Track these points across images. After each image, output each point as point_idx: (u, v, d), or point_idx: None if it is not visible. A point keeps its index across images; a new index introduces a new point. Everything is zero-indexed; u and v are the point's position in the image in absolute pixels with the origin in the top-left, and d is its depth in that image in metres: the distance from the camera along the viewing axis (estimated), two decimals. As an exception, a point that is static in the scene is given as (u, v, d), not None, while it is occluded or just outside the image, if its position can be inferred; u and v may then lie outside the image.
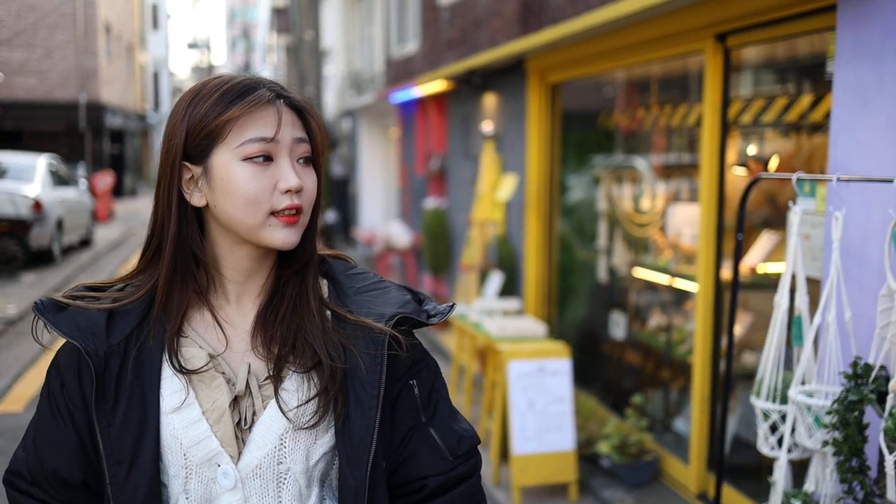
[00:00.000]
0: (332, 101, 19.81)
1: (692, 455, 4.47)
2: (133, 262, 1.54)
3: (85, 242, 15.74)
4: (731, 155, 4.42)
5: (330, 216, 14.18)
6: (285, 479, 1.25)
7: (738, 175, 4.41)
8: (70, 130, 26.01)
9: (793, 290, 2.69)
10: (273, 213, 1.23)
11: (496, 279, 6.11)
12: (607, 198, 6.13)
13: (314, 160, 1.29)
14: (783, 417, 2.67)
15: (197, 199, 1.26)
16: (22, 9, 24.70)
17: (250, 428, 1.25)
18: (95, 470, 1.27)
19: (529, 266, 6.73)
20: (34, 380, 6.89)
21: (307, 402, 1.23)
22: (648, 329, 5.57)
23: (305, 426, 1.23)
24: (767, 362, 2.72)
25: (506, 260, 6.84)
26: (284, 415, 1.23)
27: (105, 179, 21.08)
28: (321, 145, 1.30)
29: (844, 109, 3.16)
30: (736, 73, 4.38)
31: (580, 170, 6.57)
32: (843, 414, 2.37)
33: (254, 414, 1.25)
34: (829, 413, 2.41)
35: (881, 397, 2.32)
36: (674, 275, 5.20)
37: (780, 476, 2.65)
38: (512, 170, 7.11)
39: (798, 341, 2.66)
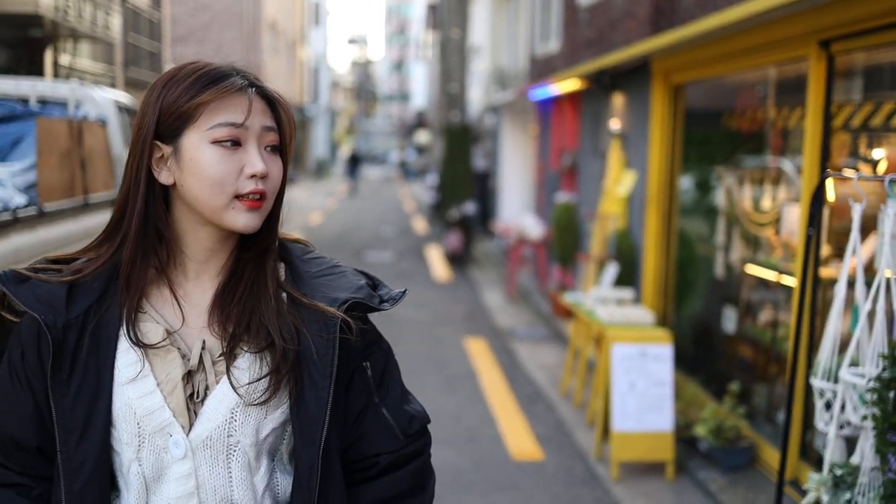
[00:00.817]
0: (477, 97, 20.37)
1: (810, 486, 4.66)
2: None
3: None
4: (836, 158, 4.59)
5: (470, 208, 14.72)
6: (234, 450, 1.30)
7: (839, 177, 4.56)
8: (235, 121, 27.84)
9: (858, 282, 2.94)
10: (237, 197, 1.28)
11: (612, 270, 6.43)
12: (728, 196, 6.31)
13: (281, 150, 1.35)
14: (836, 396, 2.93)
15: (165, 178, 1.31)
16: (196, 8, 26.60)
17: (202, 401, 1.30)
18: (51, 437, 1.32)
19: (648, 259, 7.00)
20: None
21: (258, 380, 1.29)
22: (758, 324, 5.75)
23: (255, 402, 1.29)
24: (825, 346, 2.99)
25: (625, 252, 7.13)
26: (235, 391, 1.29)
27: (265, 168, 22.49)
28: (289, 135, 1.36)
29: (924, 115, 3.34)
30: (840, 79, 4.54)
31: (701, 168, 6.77)
32: (880, 391, 2.64)
33: (206, 388, 1.31)
34: (869, 391, 2.67)
35: (915, 378, 2.57)
36: (783, 272, 5.37)
37: (829, 449, 2.91)
38: (635, 167, 7.38)
39: (854, 328, 2.92)
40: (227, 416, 1.29)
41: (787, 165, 5.68)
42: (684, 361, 6.28)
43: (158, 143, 1.30)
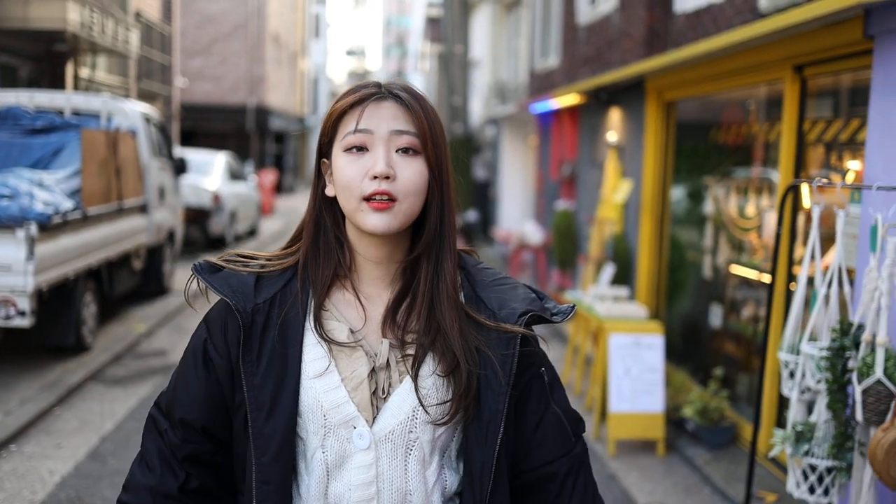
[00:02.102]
0: (477, 109, 20.98)
1: (763, 421, 5.25)
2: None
3: (252, 232, 17.57)
4: (810, 169, 5.18)
5: (471, 216, 15.33)
6: (413, 445, 1.37)
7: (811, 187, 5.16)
8: (238, 131, 28.41)
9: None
10: (365, 200, 1.34)
11: (609, 270, 7.02)
12: (715, 204, 6.91)
13: (424, 153, 1.38)
14: (798, 366, 3.51)
15: (329, 190, 1.43)
16: (203, 21, 27.22)
17: (385, 398, 1.37)
18: (216, 419, 1.45)
19: (642, 261, 7.59)
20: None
21: (443, 403, 1.36)
22: (741, 319, 6.34)
23: (440, 422, 1.36)
24: (790, 326, 3.57)
25: (621, 255, 7.72)
26: (426, 410, 1.36)
27: (268, 177, 23.06)
28: (426, 137, 1.37)
29: (876, 133, 3.94)
30: (812, 99, 5.14)
31: (691, 178, 7.37)
32: (832, 359, 3.22)
33: (389, 386, 1.38)
34: (822, 359, 3.25)
35: (858, 347, 3.15)
36: (763, 271, 5.96)
37: (792, 410, 3.49)
38: (630, 176, 7.98)
39: (812, 309, 3.50)
40: (409, 414, 1.36)
41: (774, 176, 6.28)
42: (674, 353, 6.86)
43: (325, 160, 1.44)
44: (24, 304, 6.02)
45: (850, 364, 3.22)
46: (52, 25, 10.96)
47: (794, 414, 3.51)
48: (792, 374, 3.56)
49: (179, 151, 13.32)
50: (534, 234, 11.36)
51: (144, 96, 16.96)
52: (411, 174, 1.36)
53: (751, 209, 6.43)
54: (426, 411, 1.35)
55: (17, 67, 12.21)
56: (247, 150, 27.98)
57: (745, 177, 6.45)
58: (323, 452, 1.38)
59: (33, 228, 6.02)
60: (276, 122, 30.05)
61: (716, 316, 6.64)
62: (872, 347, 3.08)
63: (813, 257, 3.50)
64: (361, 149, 1.35)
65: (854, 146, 4.94)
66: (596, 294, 6.63)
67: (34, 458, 5.11)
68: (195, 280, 1.43)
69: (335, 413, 1.36)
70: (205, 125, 27.52)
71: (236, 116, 28.08)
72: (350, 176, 1.35)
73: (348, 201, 1.36)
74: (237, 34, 27.73)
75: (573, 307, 1.46)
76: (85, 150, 7.20)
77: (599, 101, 9.02)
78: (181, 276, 11.51)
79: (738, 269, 6.44)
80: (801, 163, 5.13)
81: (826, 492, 3.39)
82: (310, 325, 1.39)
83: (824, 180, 3.82)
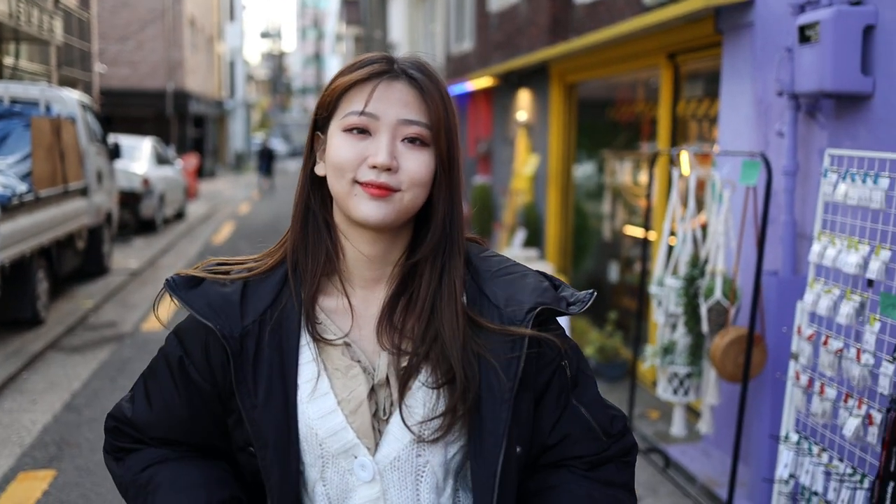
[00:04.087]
0: (397, 91, 21.61)
1: (647, 356, 6.20)
2: (223, 232, 1.64)
3: (179, 215, 17.96)
4: (683, 141, 6.13)
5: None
6: (423, 471, 1.21)
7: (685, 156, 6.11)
8: (158, 116, 28.45)
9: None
10: (357, 182, 1.19)
11: (520, 234, 7.91)
12: (611, 174, 7.85)
13: (435, 145, 1.22)
14: (664, 296, 4.43)
15: (319, 169, 1.26)
16: (117, 6, 27.14)
17: (387, 419, 1.21)
18: (208, 436, 1.29)
19: (550, 226, 8.51)
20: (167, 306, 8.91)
21: (431, 419, 1.20)
22: (634, 273, 7.31)
23: (427, 440, 1.20)
24: (658, 265, 4.48)
25: (532, 221, 8.63)
26: (409, 429, 1.19)
27: (191, 161, 23.33)
28: (440, 129, 1.22)
29: (725, 109, 4.87)
30: (684, 81, 6.09)
31: (591, 152, 8.31)
32: (686, 287, 4.13)
33: (391, 405, 1.22)
34: (680, 288, 4.16)
35: (704, 276, 4.07)
36: (648, 229, 6.92)
37: (659, 331, 4.41)
38: (538, 151, 8.89)
39: (678, 251, 4.42)
40: (414, 434, 1.20)
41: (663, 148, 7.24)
42: (580, 307, 7.78)
43: (319, 133, 1.28)
44: (-9, 278, 6.57)
45: (700, 290, 4.15)
46: (-20, 16, 11.22)
47: (661, 334, 4.44)
48: (660, 303, 4.47)
49: (112, 137, 13.69)
50: (454, 207, 12.22)
51: (65, 83, 17.12)
52: (417, 166, 1.21)
53: (643, 178, 7.39)
54: (409, 430, 1.20)
55: (-57, 57, 12.38)
56: (167, 134, 28.04)
57: (637, 149, 7.40)
58: (323, 485, 1.24)
59: (-4, 209, 6.56)
60: (194, 105, 30.14)
61: (613, 271, 7.59)
62: (714, 276, 4.01)
63: (676, 216, 4.42)
64: (363, 131, 1.21)
65: (716, 121, 5.90)
66: (510, 255, 7.49)
67: (14, 412, 5.72)
68: (162, 296, 1.28)
69: (332, 441, 1.21)
70: (122, 110, 27.43)
71: (155, 101, 28.10)
72: (345, 157, 1.20)
73: (339, 183, 1.21)
74: (153, 18, 27.74)
75: (593, 293, 1.30)
76: (35, 136, 7.72)
77: (510, 83, 9.89)
78: (118, 257, 12.00)
79: (630, 230, 7.40)
80: (676, 136, 6.07)
81: (686, 392, 4.32)
82: (305, 340, 1.24)
83: (683, 150, 4.74)
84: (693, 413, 5.21)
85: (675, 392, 4.32)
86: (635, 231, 7.23)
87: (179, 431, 1.30)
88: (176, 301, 1.25)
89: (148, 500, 1.26)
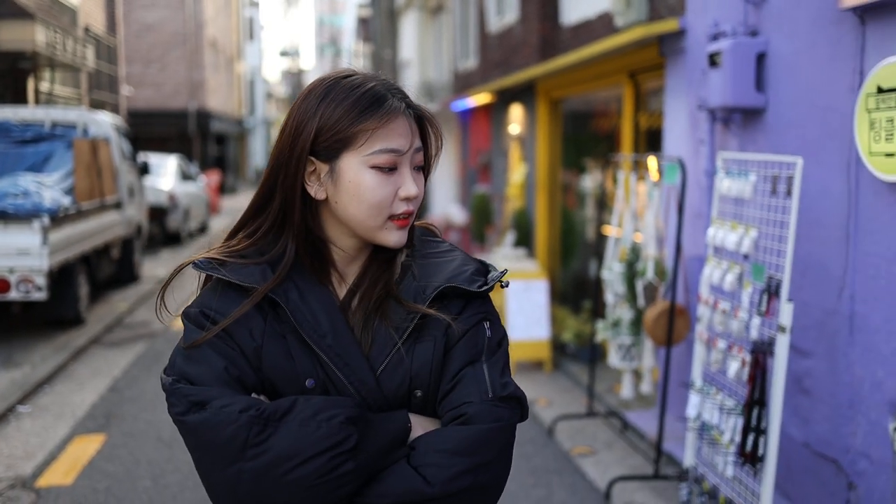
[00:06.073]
0: (408, 107, 22.49)
1: (599, 330, 7.02)
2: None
3: (202, 229, 18.96)
4: (643, 150, 6.95)
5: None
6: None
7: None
8: (181, 135, 29.58)
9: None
10: (391, 218, 1.33)
11: (510, 236, 8.76)
12: (593, 180, 8.68)
13: (426, 167, 1.40)
14: (612, 279, 5.26)
15: (317, 192, 1.35)
16: (141, 30, 28.33)
17: None
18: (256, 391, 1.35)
19: (540, 229, 9.35)
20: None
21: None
22: (612, 268, 8.12)
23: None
24: (608, 254, 5.32)
25: (522, 224, 9.47)
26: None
27: (213, 177, 24.36)
28: (433, 153, 1.41)
29: (668, 122, 5.71)
30: (644, 97, 6.92)
31: (575, 160, 9.15)
32: (626, 271, 4.97)
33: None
34: (623, 272, 4.99)
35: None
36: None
37: (608, 308, 5.23)
38: (528, 161, 9.74)
39: (623, 241, 5.25)
40: None
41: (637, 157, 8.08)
42: (565, 298, 8.62)
43: (314, 159, 1.32)
44: (41, 281, 7.50)
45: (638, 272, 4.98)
46: (22, 47, 12.24)
47: (610, 311, 5.27)
48: (609, 285, 5.30)
49: (141, 155, 14.70)
50: (457, 215, 13.08)
51: (95, 105, 18.16)
52: (422, 188, 1.38)
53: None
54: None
55: (-16, 84, 13.43)
56: (190, 152, 29.14)
57: (614, 158, 8.22)
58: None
59: (46, 220, 7.50)
60: (216, 124, 31.27)
61: (593, 267, 8.41)
62: (647, 260, 4.84)
63: (625, 216, 5.25)
64: (393, 168, 1.32)
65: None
66: (502, 254, 8.35)
67: (65, 394, 6.63)
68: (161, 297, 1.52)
69: None
70: (147, 130, 28.58)
71: (178, 121, 29.24)
72: (383, 196, 1.32)
73: (372, 219, 1.33)
74: (176, 41, 28.90)
75: (504, 271, 1.44)
76: (76, 155, 8.68)
77: (505, 99, 10.76)
78: (147, 266, 12.95)
79: (607, 230, 8.22)
80: (638, 145, 6.91)
81: (632, 359, 5.15)
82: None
83: (625, 158, 5.58)
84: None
85: (623, 359, 5.14)
86: (610, 230, 8.06)
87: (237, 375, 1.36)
88: (216, 276, 1.37)
89: (281, 421, 1.27)
